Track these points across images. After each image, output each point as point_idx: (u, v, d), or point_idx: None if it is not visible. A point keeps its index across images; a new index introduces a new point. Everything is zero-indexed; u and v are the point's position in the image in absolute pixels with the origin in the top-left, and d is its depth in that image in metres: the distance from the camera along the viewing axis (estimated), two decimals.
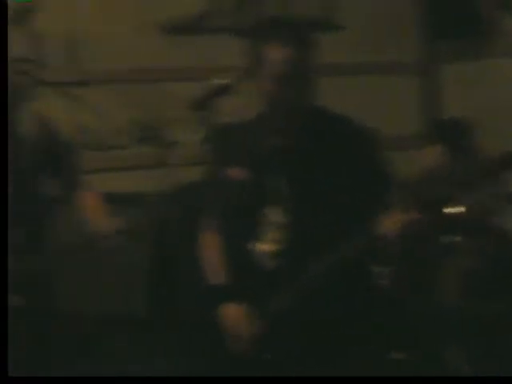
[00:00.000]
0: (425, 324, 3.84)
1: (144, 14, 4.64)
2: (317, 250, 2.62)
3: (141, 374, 3.66)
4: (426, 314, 3.86)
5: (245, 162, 2.79)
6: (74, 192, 3.63)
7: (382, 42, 4.82)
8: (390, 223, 2.56)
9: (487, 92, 4.95)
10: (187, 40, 4.64)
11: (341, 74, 4.62)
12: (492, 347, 3.72)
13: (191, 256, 3.00)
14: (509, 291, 3.85)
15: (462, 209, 3.81)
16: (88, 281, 3.89)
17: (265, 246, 2.74)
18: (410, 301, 3.92)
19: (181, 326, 3.81)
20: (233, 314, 2.72)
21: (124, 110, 4.69)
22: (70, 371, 3.42)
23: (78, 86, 4.70)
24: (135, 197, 3.90)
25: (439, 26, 4.96)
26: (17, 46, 4.68)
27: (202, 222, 2.96)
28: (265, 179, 2.75)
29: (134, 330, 3.91)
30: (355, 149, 2.71)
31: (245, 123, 2.88)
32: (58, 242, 3.53)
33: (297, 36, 2.62)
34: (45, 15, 4.65)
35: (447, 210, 3.64)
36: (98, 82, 4.69)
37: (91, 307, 3.81)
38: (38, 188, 3.56)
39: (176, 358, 3.65)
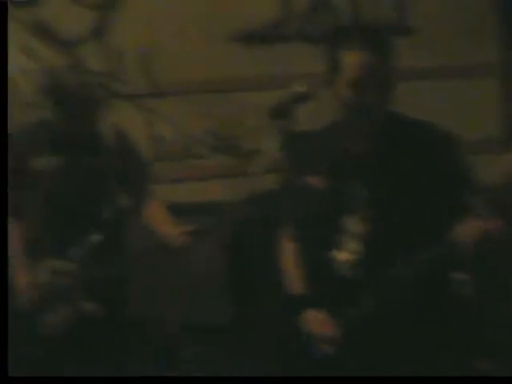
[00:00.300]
0: (504, 332, 3.78)
1: (217, 24, 4.66)
2: (395, 258, 2.59)
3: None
4: (505, 321, 3.80)
5: (323, 169, 2.77)
6: (143, 201, 3.67)
7: (460, 43, 4.75)
8: (470, 229, 2.52)
9: None
10: (261, 48, 4.65)
11: (418, 77, 4.57)
12: None
13: (270, 264, 3.00)
14: None
15: None
16: (171, 287, 3.93)
17: (343, 255, 2.72)
18: (489, 308, 3.86)
19: (261, 332, 3.82)
20: (313, 320, 2.72)
21: (199, 120, 4.72)
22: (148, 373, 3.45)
23: (153, 98, 4.76)
24: (213, 206, 3.93)
25: None
26: (93, 59, 4.77)
27: (280, 230, 2.96)
28: (343, 187, 2.73)
29: (215, 336, 3.93)
30: (435, 154, 2.67)
31: (322, 130, 2.87)
32: (136, 250, 3.58)
33: (373, 41, 2.59)
34: (120, 29, 4.73)
35: None
36: (173, 93, 4.73)
37: (173, 313, 3.84)
38: (114, 197, 3.60)
39: (255, 361, 3.66)
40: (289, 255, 2.90)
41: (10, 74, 4.22)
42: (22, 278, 3.48)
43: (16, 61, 4.70)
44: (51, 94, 3.51)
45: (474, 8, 4.80)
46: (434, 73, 4.70)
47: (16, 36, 4.77)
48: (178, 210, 4.31)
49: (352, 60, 2.55)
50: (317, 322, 2.71)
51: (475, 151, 3.95)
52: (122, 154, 3.62)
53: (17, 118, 3.88)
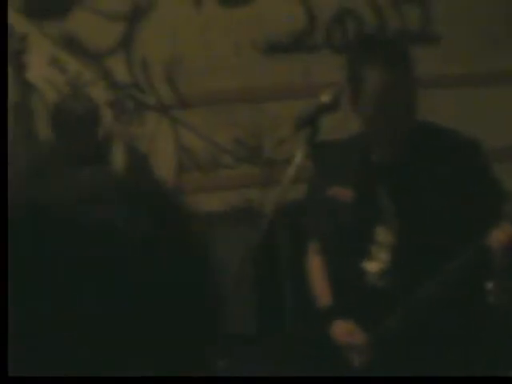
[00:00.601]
0: None
1: (243, 34, 4.68)
2: (425, 268, 2.58)
3: None
4: None
5: (350, 180, 2.77)
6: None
7: (485, 51, 4.74)
8: (501, 237, 2.51)
9: None
10: (288, 58, 4.65)
11: (443, 85, 4.56)
12: None
13: (298, 275, 2.99)
14: None
15: None
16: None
17: (373, 265, 2.72)
18: None
19: (290, 343, 3.81)
20: (343, 330, 2.71)
21: (226, 130, 4.74)
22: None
23: (180, 109, 4.79)
24: (242, 216, 3.94)
25: None
26: (120, 71, 4.81)
27: (308, 241, 2.96)
28: (371, 197, 2.72)
29: (241, 347, 3.93)
30: (462, 162, 2.66)
31: (349, 140, 2.87)
32: None
33: (396, 55, 2.58)
34: (146, 41, 4.76)
35: None
36: (200, 103, 4.75)
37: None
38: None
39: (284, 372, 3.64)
40: (316, 267, 2.90)
41: (37, 86, 4.28)
42: None
43: (44, 73, 4.75)
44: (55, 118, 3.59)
45: (499, 16, 4.78)
46: (459, 81, 4.69)
47: (44, 49, 4.83)
48: (205, 220, 4.33)
49: (375, 76, 2.55)
50: (346, 332, 2.71)
51: (501, 159, 3.95)
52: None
53: (42, 133, 3.94)
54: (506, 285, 3.70)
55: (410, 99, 2.61)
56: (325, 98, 2.46)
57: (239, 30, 4.69)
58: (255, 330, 4.03)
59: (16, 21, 4.83)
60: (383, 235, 2.70)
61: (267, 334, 4.02)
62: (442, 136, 2.72)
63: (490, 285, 3.61)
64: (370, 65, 2.56)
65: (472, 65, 4.70)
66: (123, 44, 4.79)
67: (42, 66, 4.76)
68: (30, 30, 4.83)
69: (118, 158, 3.62)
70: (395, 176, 2.69)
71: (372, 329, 2.66)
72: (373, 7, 4.57)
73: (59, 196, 0.86)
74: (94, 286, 0.83)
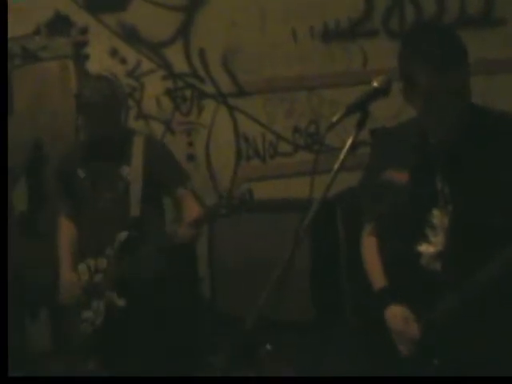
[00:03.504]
0: None
1: (299, 21, 4.68)
2: (481, 253, 2.56)
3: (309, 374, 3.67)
4: None
5: (407, 163, 2.76)
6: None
7: None
8: None
9: None
10: (344, 44, 4.64)
11: (500, 70, 4.49)
12: None
13: (353, 259, 3.00)
14: None
15: None
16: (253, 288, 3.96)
17: (429, 248, 2.71)
18: None
19: (346, 328, 3.82)
20: (398, 316, 2.71)
21: (283, 118, 4.75)
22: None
23: (237, 97, 4.81)
24: (299, 202, 3.95)
25: None
26: (178, 60, 4.85)
27: (362, 226, 2.96)
28: (427, 181, 2.71)
29: (300, 331, 3.94)
30: None
31: (404, 126, 2.85)
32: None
33: (445, 51, 2.54)
34: (203, 30, 4.80)
35: None
36: (258, 91, 4.77)
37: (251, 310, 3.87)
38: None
39: (342, 358, 3.64)
40: (372, 249, 2.90)
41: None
42: (67, 276, 3.62)
43: (103, 64, 4.82)
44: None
45: None
46: None
47: (104, 40, 4.90)
48: (264, 207, 4.36)
49: (427, 73, 2.53)
50: (400, 319, 2.70)
51: None
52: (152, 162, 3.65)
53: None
54: None
55: (463, 88, 2.59)
56: (376, 83, 2.45)
57: (296, 18, 4.69)
58: (312, 316, 4.03)
59: (76, 14, 4.92)
60: (438, 218, 2.69)
61: (324, 322, 4.04)
62: (499, 121, 2.69)
63: None
64: (422, 61, 2.54)
65: None
66: (181, 34, 4.83)
67: (102, 57, 4.83)
68: (90, 23, 4.91)
69: (138, 149, 3.65)
70: (450, 159, 2.67)
71: (425, 314, 2.65)
72: None
73: None
74: None
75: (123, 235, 3.55)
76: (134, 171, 3.60)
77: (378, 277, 2.83)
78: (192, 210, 3.56)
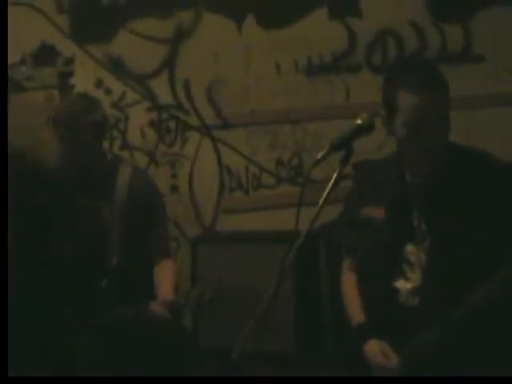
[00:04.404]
0: None
1: (283, 54, 4.72)
2: (458, 287, 2.59)
3: None
4: None
5: (384, 200, 2.79)
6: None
7: None
8: None
9: None
10: (328, 79, 4.68)
11: (484, 105, 4.54)
12: None
13: (333, 294, 3.02)
14: None
15: None
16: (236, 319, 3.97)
17: (406, 285, 2.74)
18: None
19: (325, 363, 3.82)
20: (377, 350, 2.73)
21: (267, 151, 4.78)
22: None
23: (221, 129, 4.84)
24: (282, 234, 3.97)
25: None
26: (163, 92, 4.88)
27: (343, 260, 2.99)
28: (404, 217, 2.74)
29: (280, 366, 3.94)
30: (496, 184, 2.66)
31: (385, 160, 2.89)
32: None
33: (428, 82, 2.58)
34: (187, 62, 4.83)
35: None
36: (241, 124, 4.80)
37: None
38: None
39: None
40: (350, 284, 2.93)
41: None
42: None
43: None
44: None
45: None
46: (499, 100, 4.67)
47: (90, 71, 4.93)
48: (247, 239, 4.37)
49: (410, 102, 2.57)
50: (379, 353, 2.72)
51: None
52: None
53: None
54: None
55: (444, 122, 2.63)
56: (360, 121, 2.49)
57: (280, 51, 4.73)
58: (295, 349, 4.04)
59: (62, 44, 4.95)
60: (415, 254, 2.72)
61: (306, 353, 4.04)
62: (473, 158, 2.73)
63: None
64: (406, 91, 2.58)
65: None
66: (166, 66, 4.87)
67: (87, 87, 4.85)
68: (76, 53, 4.94)
69: (124, 178, 3.55)
70: (427, 196, 2.70)
71: (403, 348, 2.67)
72: (414, 28, 4.59)
73: None
74: None
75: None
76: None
77: (356, 312, 2.86)
78: (167, 288, 3.45)
